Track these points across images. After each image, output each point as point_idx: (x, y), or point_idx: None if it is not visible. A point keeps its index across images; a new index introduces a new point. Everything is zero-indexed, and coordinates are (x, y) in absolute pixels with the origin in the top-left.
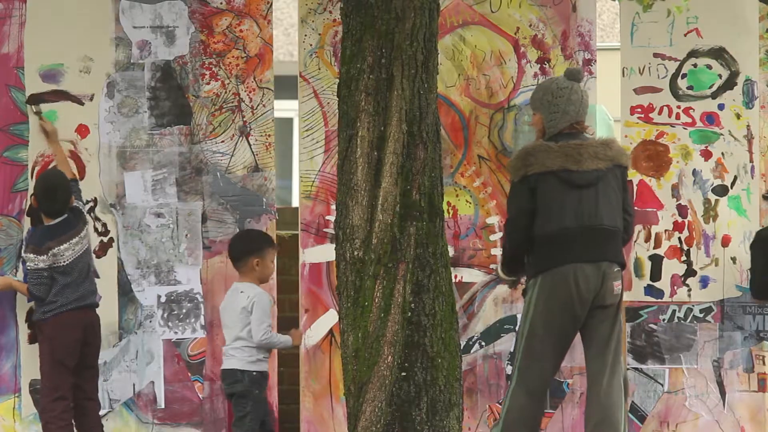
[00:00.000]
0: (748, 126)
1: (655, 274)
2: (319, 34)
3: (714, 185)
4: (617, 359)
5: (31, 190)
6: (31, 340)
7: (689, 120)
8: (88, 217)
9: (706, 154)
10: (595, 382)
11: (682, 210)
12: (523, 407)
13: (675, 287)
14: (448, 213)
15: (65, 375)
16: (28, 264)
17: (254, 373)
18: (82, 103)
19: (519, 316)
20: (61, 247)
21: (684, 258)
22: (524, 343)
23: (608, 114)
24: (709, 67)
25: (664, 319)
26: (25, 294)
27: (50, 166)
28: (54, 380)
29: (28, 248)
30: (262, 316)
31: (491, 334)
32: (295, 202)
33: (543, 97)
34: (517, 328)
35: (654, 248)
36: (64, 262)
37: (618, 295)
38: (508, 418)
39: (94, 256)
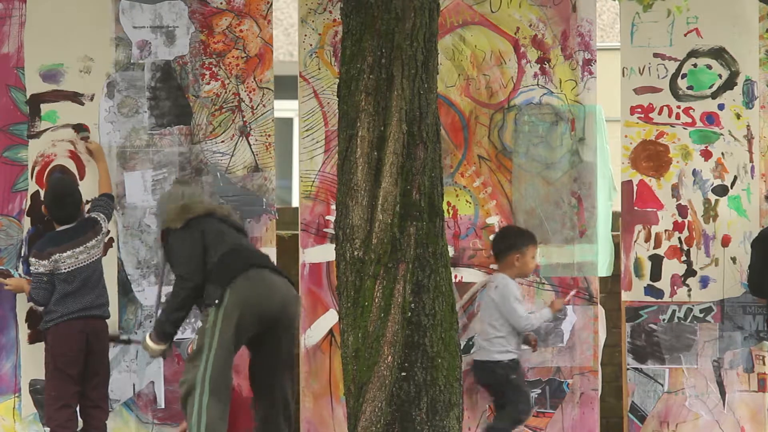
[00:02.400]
0: (748, 126)
1: (655, 274)
2: (319, 34)
3: (714, 185)
4: None
5: (31, 190)
6: (31, 340)
7: (689, 120)
8: (107, 227)
9: (706, 154)
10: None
11: (682, 210)
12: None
13: (675, 287)
14: (448, 213)
15: (68, 383)
16: (30, 267)
17: (506, 362)
18: (82, 103)
19: None
20: (64, 254)
21: (684, 258)
22: (218, 353)
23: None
24: (709, 67)
25: (664, 319)
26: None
27: (52, 167)
28: (58, 388)
29: (31, 252)
30: (513, 306)
31: None
32: (295, 202)
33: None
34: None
35: (654, 248)
36: (65, 269)
37: None
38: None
39: None
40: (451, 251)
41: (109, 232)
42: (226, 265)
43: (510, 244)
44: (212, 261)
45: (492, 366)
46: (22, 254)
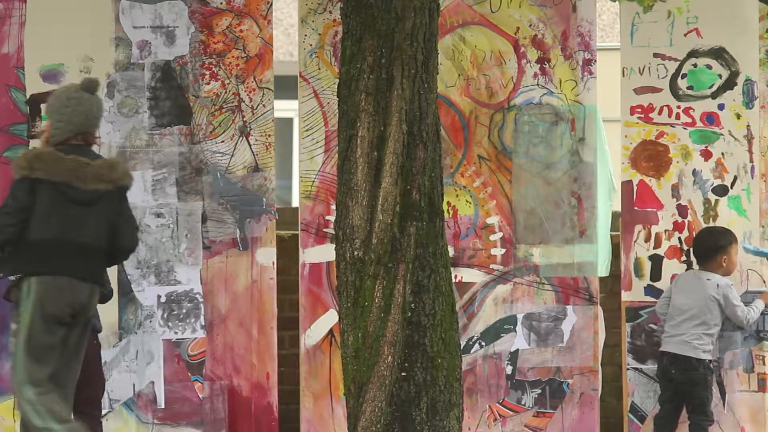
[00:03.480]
0: (748, 126)
1: (655, 274)
2: (319, 34)
3: (714, 185)
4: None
5: None
6: None
7: (689, 120)
8: None
9: (706, 154)
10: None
11: (682, 210)
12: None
13: None
14: (448, 213)
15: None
16: None
17: (707, 361)
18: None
19: (519, 317)
20: None
21: (684, 258)
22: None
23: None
24: (709, 67)
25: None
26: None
27: None
28: None
29: None
30: (736, 305)
31: (491, 334)
32: (295, 202)
33: (52, 104)
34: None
35: (654, 248)
36: None
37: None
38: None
39: None
40: (451, 251)
41: None
42: (29, 256)
43: (717, 246)
44: (28, 236)
45: (695, 363)
46: None
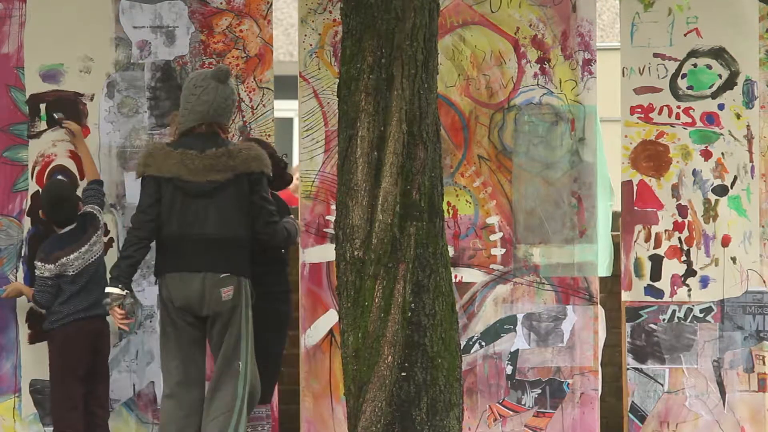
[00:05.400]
0: (748, 126)
1: (655, 274)
2: (319, 34)
3: (714, 185)
4: (229, 365)
5: (31, 191)
6: (32, 340)
7: (689, 120)
8: (102, 218)
9: (706, 154)
10: (208, 387)
11: (682, 210)
12: (164, 409)
13: (675, 287)
14: (448, 213)
15: (76, 384)
16: (36, 271)
17: None
18: (83, 104)
19: (519, 316)
20: (70, 256)
21: (684, 258)
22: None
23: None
24: (709, 67)
25: (664, 319)
26: (31, 299)
27: (52, 167)
28: (66, 390)
29: (37, 255)
30: None
31: (491, 334)
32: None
33: (183, 91)
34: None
35: (654, 248)
36: (73, 271)
37: (227, 302)
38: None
39: None
40: (451, 251)
41: (105, 224)
42: (158, 256)
43: None
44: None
45: None
46: (23, 254)
